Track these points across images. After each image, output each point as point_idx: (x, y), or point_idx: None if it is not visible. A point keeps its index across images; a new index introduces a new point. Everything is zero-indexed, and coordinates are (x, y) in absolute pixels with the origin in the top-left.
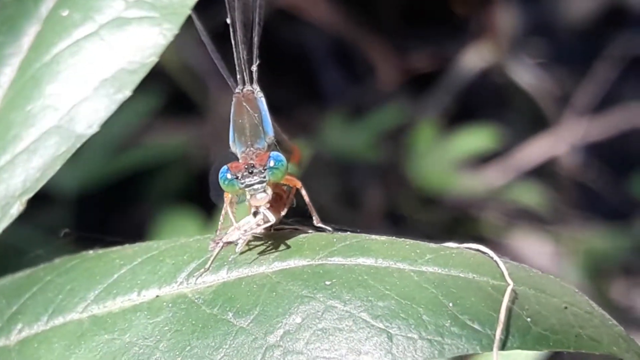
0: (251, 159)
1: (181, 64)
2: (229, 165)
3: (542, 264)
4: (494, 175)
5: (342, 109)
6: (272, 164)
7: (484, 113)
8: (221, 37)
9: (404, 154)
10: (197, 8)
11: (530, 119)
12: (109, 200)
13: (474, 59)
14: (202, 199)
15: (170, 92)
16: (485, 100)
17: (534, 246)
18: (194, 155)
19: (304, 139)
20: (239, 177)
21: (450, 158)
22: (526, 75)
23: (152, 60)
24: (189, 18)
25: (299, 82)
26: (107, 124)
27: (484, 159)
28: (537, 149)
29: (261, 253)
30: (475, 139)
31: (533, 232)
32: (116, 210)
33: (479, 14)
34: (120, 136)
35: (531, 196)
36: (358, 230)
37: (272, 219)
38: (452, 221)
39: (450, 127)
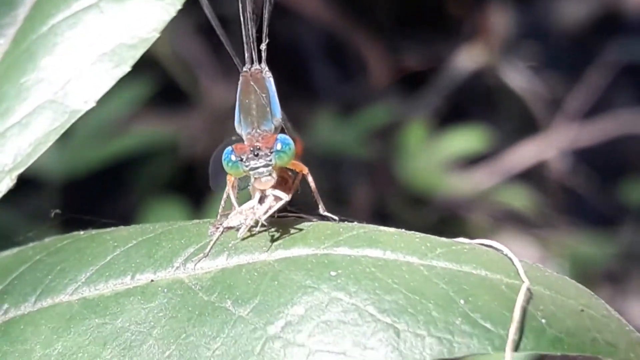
0: (257, 141)
1: (173, 54)
2: (233, 146)
3: None
4: (482, 176)
5: (333, 105)
6: (279, 147)
7: (475, 114)
8: (221, 16)
9: (394, 152)
10: None
11: (520, 122)
12: (96, 187)
13: (466, 60)
14: (190, 189)
15: (161, 81)
16: (476, 102)
17: (519, 249)
18: (183, 145)
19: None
20: (244, 159)
21: (440, 158)
22: (518, 78)
23: (154, 35)
24: None
25: (291, 78)
26: (97, 109)
27: (473, 161)
28: (526, 153)
29: (263, 240)
30: (465, 140)
31: (519, 235)
32: (103, 197)
33: (473, 15)
34: (110, 123)
35: (519, 199)
36: (364, 222)
37: (284, 196)
38: (440, 221)
39: (440, 128)
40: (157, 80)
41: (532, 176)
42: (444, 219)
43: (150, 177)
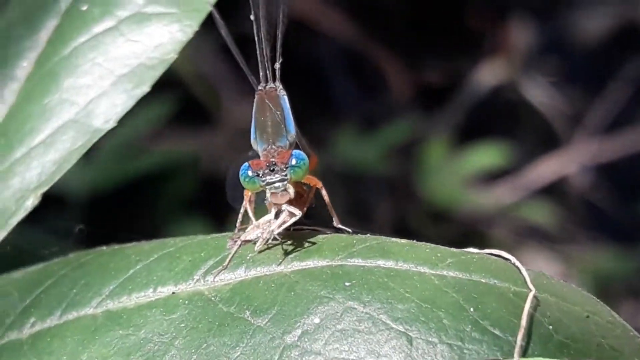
0: (273, 156)
1: (195, 72)
2: (250, 162)
3: None
4: (503, 192)
5: (354, 122)
6: (293, 162)
7: (496, 130)
8: (243, 35)
9: (415, 168)
10: (218, 5)
11: (541, 138)
12: (120, 204)
13: (487, 75)
14: (212, 207)
15: (184, 99)
16: (497, 117)
17: (541, 264)
18: (205, 163)
19: (315, 151)
20: (260, 175)
21: (461, 174)
22: (539, 93)
23: (172, 56)
24: (209, 18)
25: (311, 94)
26: (120, 128)
27: (494, 176)
28: (548, 168)
29: (280, 252)
30: (486, 155)
31: (541, 251)
32: (126, 214)
33: (493, 31)
34: (133, 141)
35: (540, 215)
36: (377, 234)
37: (298, 212)
38: (461, 237)
39: (461, 143)
40: (180, 98)
41: (554, 191)
42: (465, 235)
43: (173, 195)
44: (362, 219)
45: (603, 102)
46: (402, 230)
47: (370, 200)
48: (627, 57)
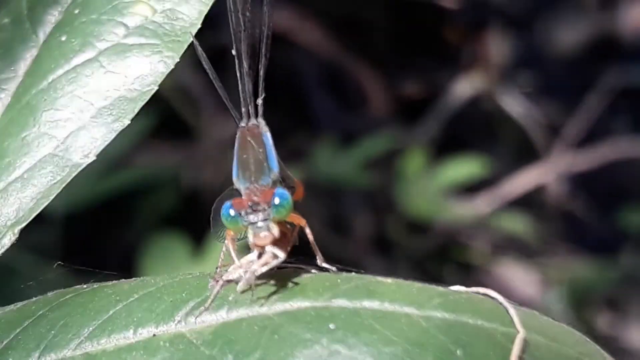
0: (255, 195)
1: (174, 86)
2: (232, 201)
3: (528, 293)
4: (481, 203)
5: (333, 135)
6: (276, 201)
7: (473, 142)
8: (220, 65)
9: (394, 181)
10: (197, 35)
11: (518, 149)
12: (98, 221)
13: (465, 88)
14: (192, 222)
15: (163, 113)
16: (474, 129)
17: (519, 275)
18: (185, 178)
19: (294, 165)
20: (243, 215)
21: (439, 186)
22: (515, 105)
23: (152, 88)
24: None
25: (290, 108)
26: None
27: (472, 188)
28: (525, 179)
29: (263, 293)
30: (464, 167)
31: (519, 261)
32: (105, 231)
33: (470, 44)
34: (111, 157)
35: (518, 225)
36: (362, 271)
37: (282, 254)
38: (440, 249)
39: (439, 156)
40: (159, 112)
41: (531, 202)
42: (444, 247)
43: (153, 210)
44: (341, 232)
45: (580, 113)
46: (381, 242)
47: (348, 213)
48: (603, 68)
